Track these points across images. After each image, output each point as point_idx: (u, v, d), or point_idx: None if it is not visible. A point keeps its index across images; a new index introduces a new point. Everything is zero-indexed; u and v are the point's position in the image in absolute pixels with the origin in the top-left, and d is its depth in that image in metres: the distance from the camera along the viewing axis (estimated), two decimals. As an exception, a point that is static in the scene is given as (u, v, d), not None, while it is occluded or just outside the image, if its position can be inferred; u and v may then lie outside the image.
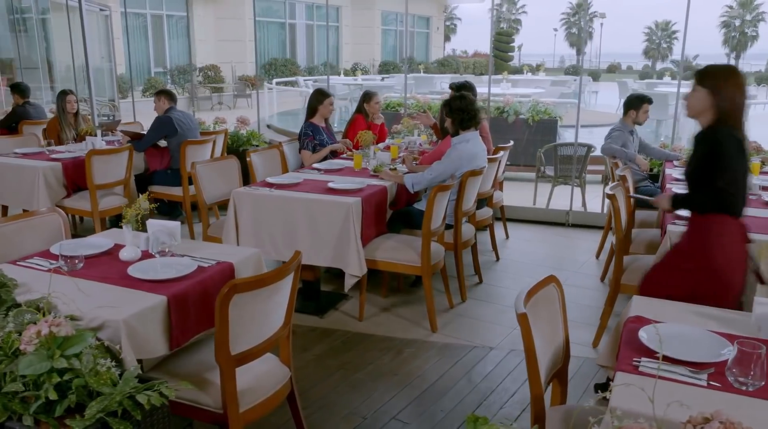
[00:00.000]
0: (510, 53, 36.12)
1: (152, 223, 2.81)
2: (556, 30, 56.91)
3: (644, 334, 1.87)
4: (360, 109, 5.77)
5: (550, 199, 6.58)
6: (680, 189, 4.07)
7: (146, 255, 2.64)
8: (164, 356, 2.47)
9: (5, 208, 5.34)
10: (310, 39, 25.42)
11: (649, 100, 4.98)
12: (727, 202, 2.41)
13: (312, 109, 5.32)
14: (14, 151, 5.36)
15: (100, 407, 1.70)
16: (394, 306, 4.21)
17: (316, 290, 4.24)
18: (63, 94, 6.09)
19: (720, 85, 2.41)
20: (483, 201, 4.98)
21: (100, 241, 2.76)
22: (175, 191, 5.59)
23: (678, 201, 2.64)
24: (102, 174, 4.94)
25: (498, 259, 5.20)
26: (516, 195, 7.16)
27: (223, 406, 2.17)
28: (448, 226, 4.29)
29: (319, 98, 5.30)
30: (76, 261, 2.49)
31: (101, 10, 14.40)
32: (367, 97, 5.72)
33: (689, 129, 9.71)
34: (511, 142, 5.61)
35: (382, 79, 20.87)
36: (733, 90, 2.41)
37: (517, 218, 6.31)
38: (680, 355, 1.76)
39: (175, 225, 2.83)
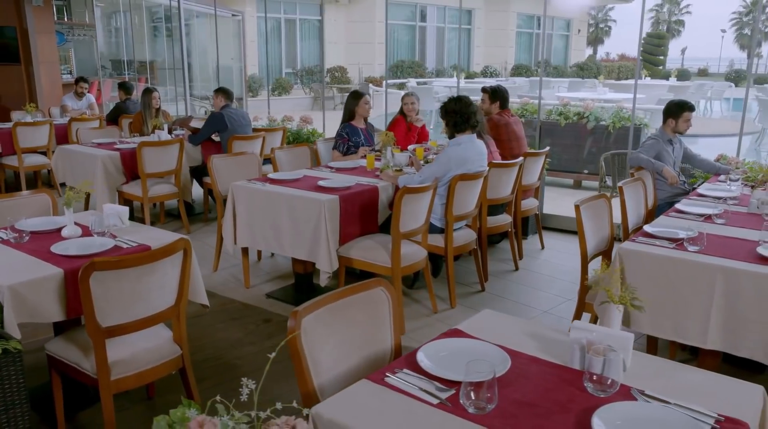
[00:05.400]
0: (660, 56, 33.45)
1: (107, 207, 3.15)
2: (724, 31, 51.90)
3: (422, 352, 1.79)
4: (401, 111, 5.83)
5: (606, 211, 6.15)
6: (694, 206, 3.65)
7: (87, 233, 2.96)
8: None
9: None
10: (440, 41, 25.57)
11: (690, 108, 4.48)
12: None
13: (348, 111, 5.46)
14: (92, 140, 6.12)
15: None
16: (378, 305, 4.24)
17: (309, 284, 4.39)
18: (147, 92, 6.80)
19: None
20: (501, 207, 4.82)
21: (59, 220, 3.14)
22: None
23: None
24: (153, 164, 5.48)
25: (517, 268, 5.00)
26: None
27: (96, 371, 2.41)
28: (441, 230, 4.24)
29: (353, 100, 5.43)
30: (23, 234, 2.87)
31: (233, 15, 15.69)
32: (404, 99, 5.76)
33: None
34: (547, 148, 5.35)
35: (514, 79, 20.49)
36: None
37: (566, 229, 6.00)
38: (438, 372, 1.68)
39: (123, 210, 3.14)
